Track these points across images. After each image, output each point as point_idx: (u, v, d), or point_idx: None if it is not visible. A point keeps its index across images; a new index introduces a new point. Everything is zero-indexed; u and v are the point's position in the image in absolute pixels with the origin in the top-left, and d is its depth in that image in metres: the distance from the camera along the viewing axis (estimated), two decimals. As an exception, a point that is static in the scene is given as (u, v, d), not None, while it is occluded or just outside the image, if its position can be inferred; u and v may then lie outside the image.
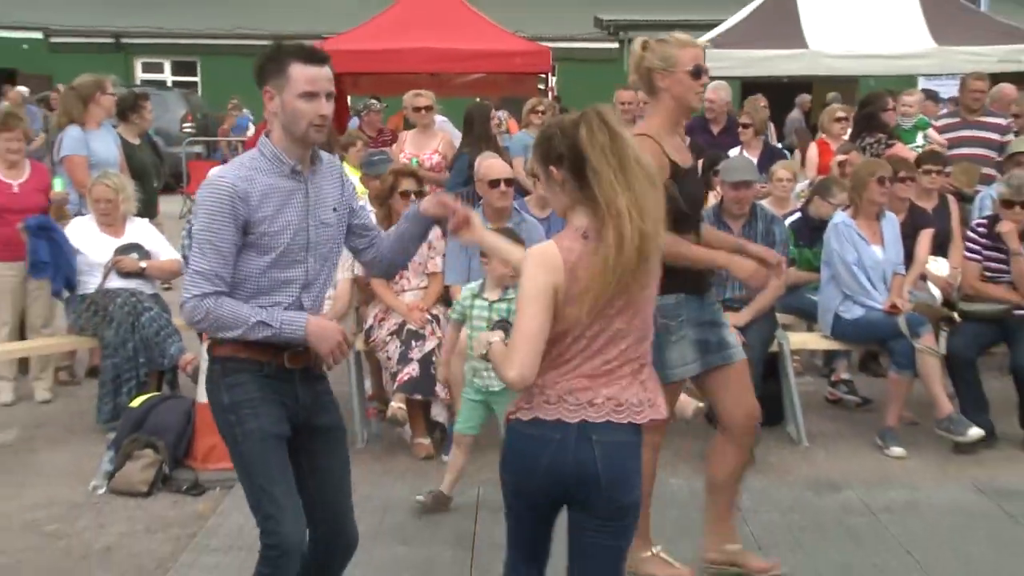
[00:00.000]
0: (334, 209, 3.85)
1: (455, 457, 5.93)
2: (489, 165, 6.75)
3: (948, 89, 13.29)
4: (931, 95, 12.94)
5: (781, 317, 7.37)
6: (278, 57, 3.64)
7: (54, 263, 7.25)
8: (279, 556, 3.67)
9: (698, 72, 4.77)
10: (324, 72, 3.65)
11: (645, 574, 5.08)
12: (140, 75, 27.87)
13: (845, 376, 8.17)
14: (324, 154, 3.90)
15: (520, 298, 3.33)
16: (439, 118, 10.90)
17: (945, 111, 10.85)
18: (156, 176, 9.43)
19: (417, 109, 9.33)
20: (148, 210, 8.53)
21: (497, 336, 3.55)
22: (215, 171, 4.10)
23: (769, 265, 4.97)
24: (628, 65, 5.07)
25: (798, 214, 8.03)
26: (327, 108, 3.67)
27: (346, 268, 7.16)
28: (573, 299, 3.24)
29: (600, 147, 3.21)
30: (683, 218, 4.70)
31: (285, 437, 3.75)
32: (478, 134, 9.31)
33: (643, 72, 4.84)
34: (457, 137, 9.95)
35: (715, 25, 15.42)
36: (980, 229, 7.47)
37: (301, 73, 3.59)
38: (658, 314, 4.30)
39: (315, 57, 3.66)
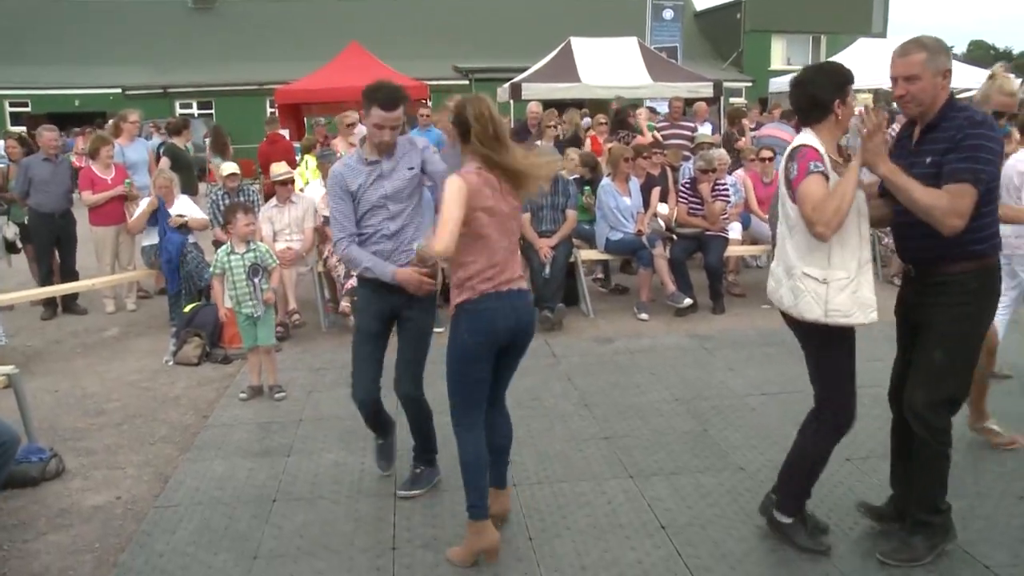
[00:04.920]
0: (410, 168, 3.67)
1: (252, 362, 5.27)
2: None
3: (661, 106, 13.41)
4: (652, 110, 13.06)
5: (575, 241, 7.33)
6: (368, 100, 3.51)
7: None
8: (356, 405, 3.77)
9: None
10: (392, 115, 3.50)
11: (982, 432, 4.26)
12: (178, 111, 26.57)
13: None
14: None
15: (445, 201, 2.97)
16: (361, 127, 10.57)
17: (662, 119, 10.94)
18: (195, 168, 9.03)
19: (348, 124, 8.87)
20: (189, 190, 8.09)
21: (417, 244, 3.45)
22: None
23: None
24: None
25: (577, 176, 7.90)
26: (388, 135, 3.56)
27: (310, 218, 6.92)
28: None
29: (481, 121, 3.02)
30: None
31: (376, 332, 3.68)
32: None
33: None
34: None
35: (525, 69, 15.31)
36: (687, 186, 7.55)
37: (376, 113, 3.49)
38: None
39: (388, 104, 3.49)
